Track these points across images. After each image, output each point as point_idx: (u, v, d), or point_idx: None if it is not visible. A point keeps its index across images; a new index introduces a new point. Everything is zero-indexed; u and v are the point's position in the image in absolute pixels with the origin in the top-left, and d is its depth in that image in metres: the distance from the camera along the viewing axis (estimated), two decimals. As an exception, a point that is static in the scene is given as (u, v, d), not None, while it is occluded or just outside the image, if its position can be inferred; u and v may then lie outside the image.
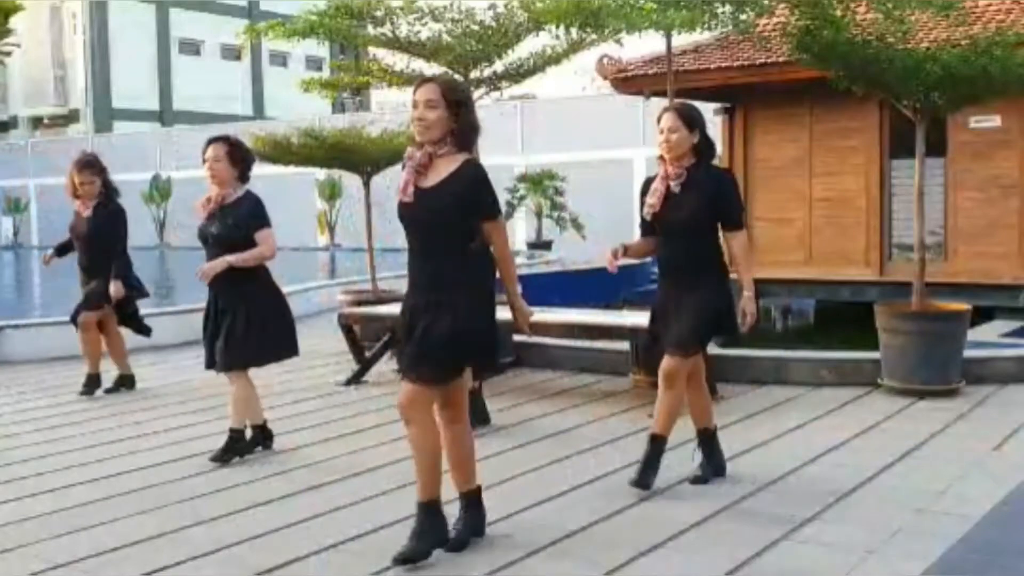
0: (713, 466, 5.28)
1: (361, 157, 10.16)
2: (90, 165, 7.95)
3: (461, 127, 4.09)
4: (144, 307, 8.51)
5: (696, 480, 5.19)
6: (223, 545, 4.41)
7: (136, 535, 4.58)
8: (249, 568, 4.13)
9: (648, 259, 5.56)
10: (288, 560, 4.21)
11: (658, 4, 7.90)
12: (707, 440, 5.30)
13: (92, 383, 8.05)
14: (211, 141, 5.89)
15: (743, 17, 8.13)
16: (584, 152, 24.93)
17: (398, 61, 10.22)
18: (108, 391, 8.07)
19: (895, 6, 7.40)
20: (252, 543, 4.45)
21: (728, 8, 7.99)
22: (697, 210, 4.95)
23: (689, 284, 4.99)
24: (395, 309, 5.84)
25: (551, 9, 8.62)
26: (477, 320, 4.13)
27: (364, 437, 6.42)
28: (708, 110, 14.68)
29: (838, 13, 7.44)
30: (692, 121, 4.99)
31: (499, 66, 9.78)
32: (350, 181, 18.76)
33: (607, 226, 22.19)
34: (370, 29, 9.68)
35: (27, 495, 5.29)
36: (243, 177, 5.92)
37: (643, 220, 5.16)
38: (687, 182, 4.97)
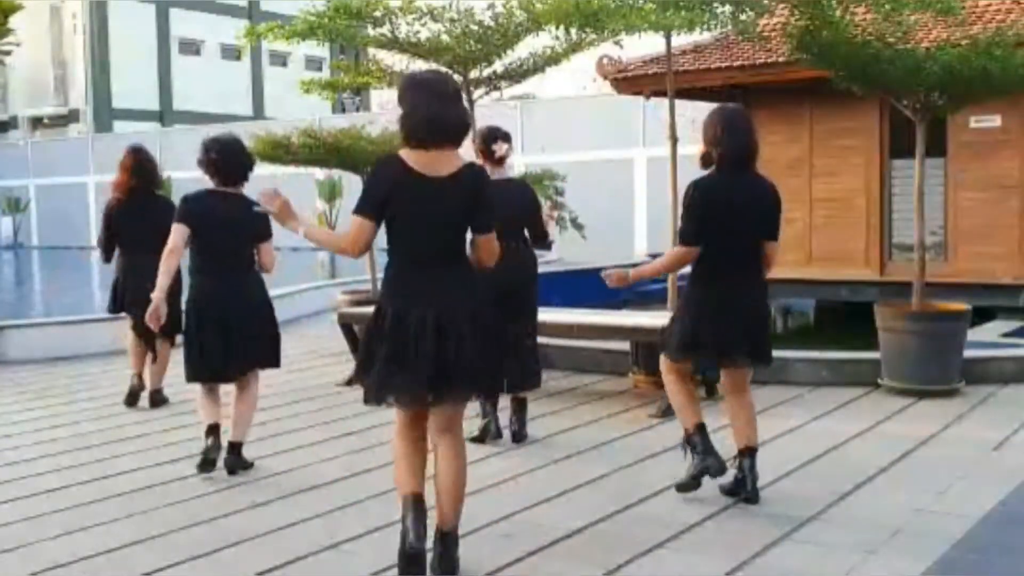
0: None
1: (361, 157, 10.15)
2: None
3: None
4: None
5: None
6: (223, 545, 4.42)
7: (136, 535, 4.58)
8: (249, 568, 4.14)
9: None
10: (288, 560, 4.21)
11: (657, 5, 7.88)
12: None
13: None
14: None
15: (743, 17, 8.12)
16: (584, 152, 24.91)
17: (398, 62, 10.23)
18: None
19: (893, 8, 7.40)
20: (252, 543, 4.45)
21: (728, 8, 7.98)
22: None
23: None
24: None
25: (551, 9, 8.60)
26: None
27: (363, 438, 6.43)
28: (708, 110, 14.72)
29: (837, 14, 7.44)
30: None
31: (499, 66, 9.79)
32: (350, 181, 18.73)
33: (607, 226, 22.21)
34: (370, 30, 9.68)
35: (27, 495, 5.29)
36: None
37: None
38: None
